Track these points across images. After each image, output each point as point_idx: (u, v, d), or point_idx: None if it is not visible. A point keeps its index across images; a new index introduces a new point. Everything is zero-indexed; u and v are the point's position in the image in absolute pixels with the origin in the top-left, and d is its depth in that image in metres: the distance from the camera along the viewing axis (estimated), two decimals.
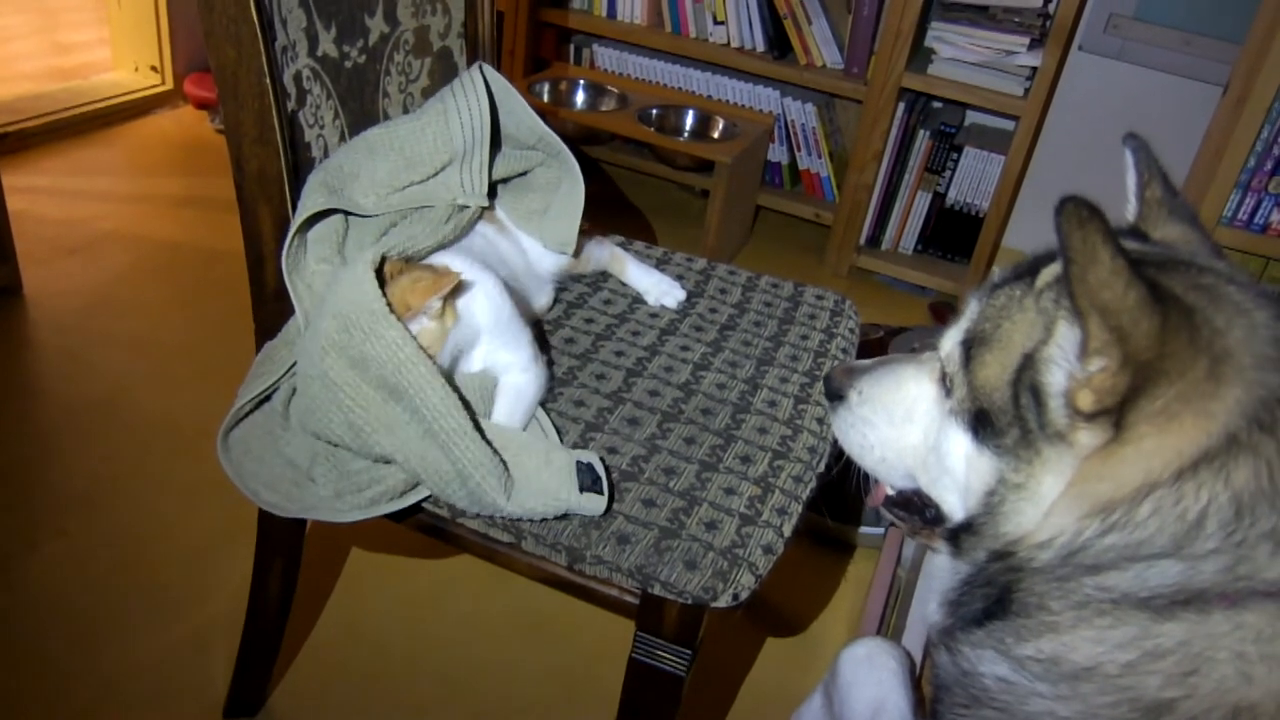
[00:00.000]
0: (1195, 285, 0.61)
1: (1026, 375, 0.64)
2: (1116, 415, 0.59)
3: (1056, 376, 0.62)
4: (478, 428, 0.87)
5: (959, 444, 0.69)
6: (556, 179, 1.14)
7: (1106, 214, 0.54)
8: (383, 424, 0.86)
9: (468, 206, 1.05)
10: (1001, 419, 0.65)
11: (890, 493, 0.82)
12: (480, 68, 1.06)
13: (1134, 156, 0.75)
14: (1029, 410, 0.63)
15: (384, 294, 0.86)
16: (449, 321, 0.91)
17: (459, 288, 0.92)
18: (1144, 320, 0.56)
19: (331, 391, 0.87)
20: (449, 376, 0.89)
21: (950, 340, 0.71)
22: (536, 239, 1.14)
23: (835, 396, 0.83)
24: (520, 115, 1.10)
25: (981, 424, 0.67)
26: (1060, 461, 0.62)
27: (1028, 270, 0.67)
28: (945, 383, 0.71)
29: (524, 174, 1.15)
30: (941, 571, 0.73)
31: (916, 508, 0.79)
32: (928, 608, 0.74)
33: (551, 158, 1.13)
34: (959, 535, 0.70)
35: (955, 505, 0.72)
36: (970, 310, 0.71)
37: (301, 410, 0.91)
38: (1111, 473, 0.60)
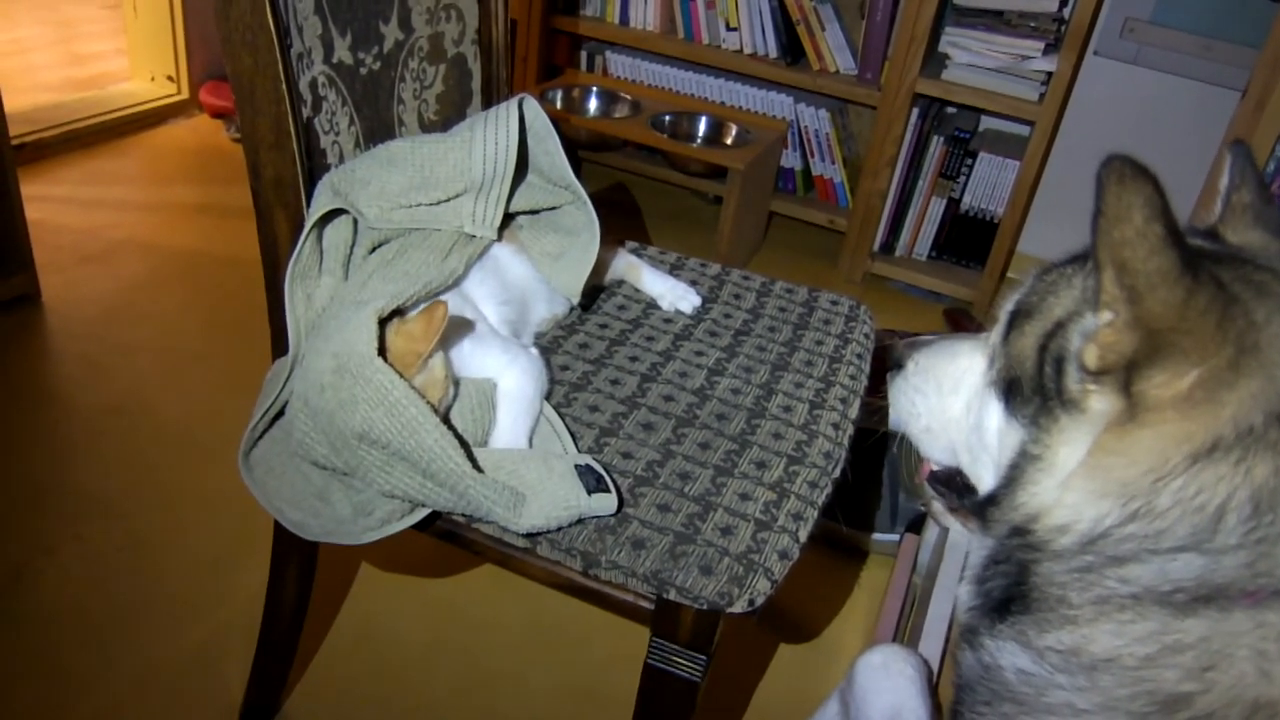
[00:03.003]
0: (1247, 280, 0.60)
1: (1054, 343, 0.65)
2: (1123, 378, 0.59)
3: (1078, 342, 0.62)
4: (474, 463, 0.87)
5: (994, 416, 0.70)
6: (580, 226, 1.13)
7: (1161, 182, 0.54)
8: (373, 464, 0.87)
9: (474, 236, 1.05)
10: (1028, 387, 0.67)
11: (934, 468, 0.84)
12: (521, 101, 1.05)
13: (1231, 161, 0.75)
14: (1050, 379, 0.64)
15: (386, 340, 0.86)
16: (443, 369, 0.91)
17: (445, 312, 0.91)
18: (1162, 288, 0.55)
19: (324, 428, 0.87)
20: (444, 415, 0.89)
21: (1001, 311, 0.73)
22: (546, 279, 1.13)
23: (895, 365, 0.86)
24: (554, 156, 1.09)
25: (1012, 394, 0.68)
26: (1076, 431, 0.63)
27: (1085, 254, 0.68)
28: (991, 353, 0.72)
29: (554, 209, 1.15)
30: (972, 550, 0.74)
31: (956, 486, 0.80)
32: (959, 588, 0.75)
33: (579, 203, 1.12)
34: (985, 508, 0.71)
35: (990, 484, 0.73)
36: (1024, 284, 0.72)
37: (299, 441, 0.91)
38: (1125, 449, 0.60)
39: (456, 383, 0.94)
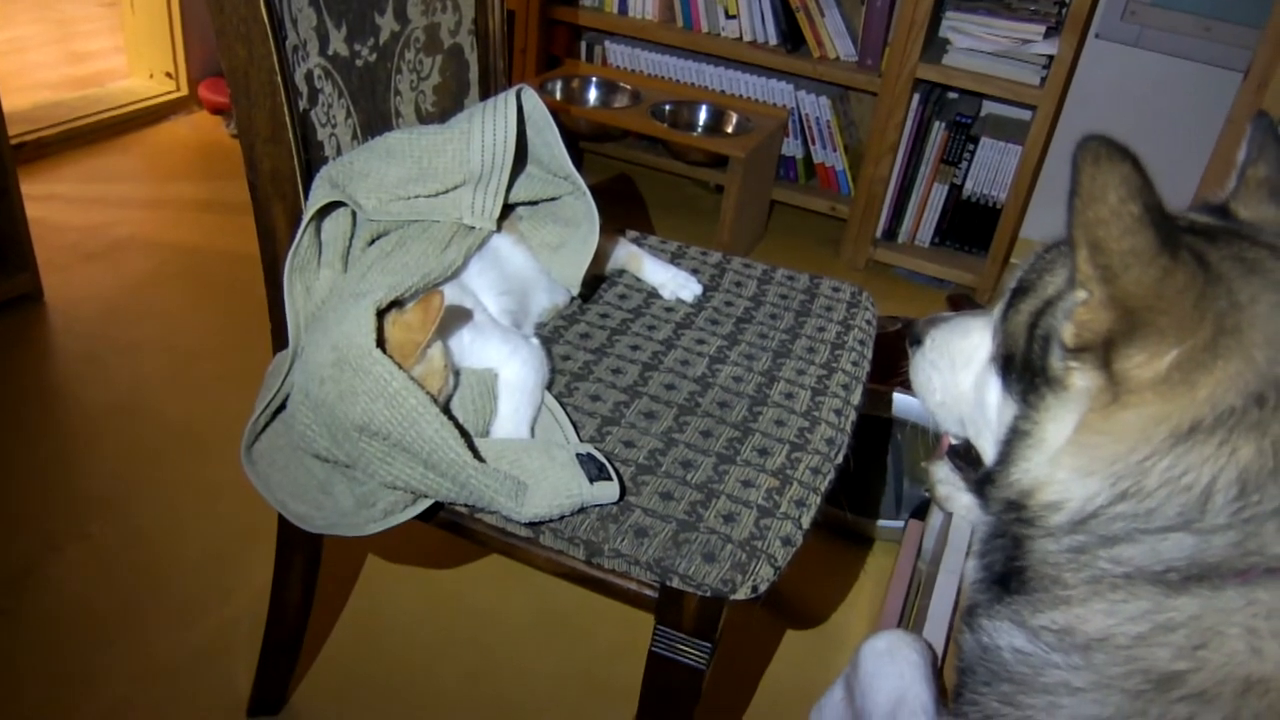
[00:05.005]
0: (1238, 258, 0.60)
1: (1043, 321, 0.65)
2: (1102, 356, 0.59)
3: (1061, 321, 0.63)
4: (475, 453, 0.87)
5: (993, 392, 0.71)
6: (579, 216, 1.13)
7: (1140, 162, 0.54)
8: (375, 456, 0.87)
9: (473, 227, 1.04)
10: (1019, 364, 0.67)
11: (954, 442, 0.85)
12: (520, 92, 1.05)
13: (1251, 134, 0.75)
14: (1037, 356, 0.65)
15: (385, 331, 0.86)
16: (442, 359, 0.91)
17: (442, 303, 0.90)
18: (1136, 267, 0.55)
19: (325, 420, 0.87)
20: (444, 405, 0.89)
21: (1006, 289, 0.73)
22: (546, 270, 1.13)
23: (915, 341, 0.87)
24: (554, 147, 1.09)
25: (1007, 370, 0.69)
26: (1061, 408, 0.63)
27: None
28: (994, 331, 0.73)
29: (553, 199, 1.15)
30: (977, 527, 0.75)
31: (973, 459, 0.81)
32: (966, 564, 0.75)
33: (579, 193, 1.12)
34: (982, 486, 0.71)
35: (992, 458, 0.73)
36: (1026, 262, 0.72)
37: (301, 433, 0.91)
38: (1110, 429, 0.60)
39: (457, 373, 0.93)
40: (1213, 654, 0.57)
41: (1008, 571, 0.67)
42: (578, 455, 0.89)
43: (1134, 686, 0.59)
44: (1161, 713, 0.58)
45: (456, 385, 0.93)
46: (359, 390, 0.83)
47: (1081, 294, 0.59)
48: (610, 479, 0.88)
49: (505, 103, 1.03)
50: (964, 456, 0.83)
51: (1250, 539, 0.57)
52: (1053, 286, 0.66)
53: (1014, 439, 0.67)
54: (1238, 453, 0.57)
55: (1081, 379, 0.61)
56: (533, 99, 1.06)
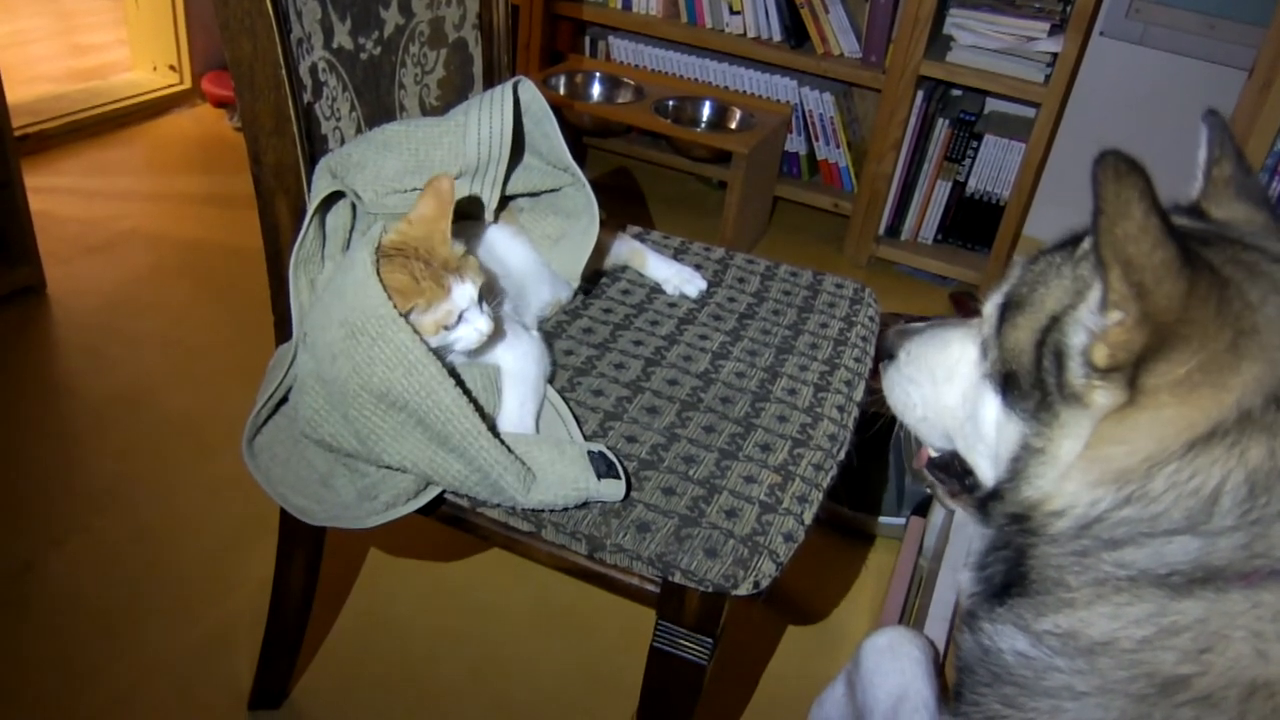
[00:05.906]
0: (1237, 260, 0.60)
1: (1051, 337, 0.63)
2: (1131, 373, 0.58)
3: (1078, 337, 0.61)
4: (490, 427, 0.87)
5: (991, 408, 0.69)
6: (580, 209, 1.13)
7: (1150, 173, 0.54)
8: (387, 432, 0.86)
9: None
10: (1026, 382, 0.65)
11: (933, 454, 0.83)
12: (517, 84, 1.05)
13: (1208, 133, 0.74)
14: (1049, 373, 0.63)
15: (386, 288, 0.86)
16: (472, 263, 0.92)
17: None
18: (1167, 281, 0.55)
19: (337, 399, 0.87)
20: (457, 379, 0.89)
21: (990, 303, 0.72)
22: (547, 262, 1.13)
23: (887, 355, 0.85)
24: (552, 139, 1.08)
25: (1010, 387, 0.67)
26: (1077, 424, 0.62)
27: (1071, 240, 0.67)
28: (983, 346, 0.71)
29: (554, 191, 1.14)
30: (974, 537, 0.74)
31: (956, 472, 0.79)
32: (960, 575, 0.74)
33: (579, 185, 1.12)
34: (986, 503, 0.70)
35: (988, 472, 0.72)
36: (1011, 275, 0.71)
37: (307, 419, 0.91)
38: (1125, 436, 0.59)
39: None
40: (1218, 657, 0.57)
41: (1009, 581, 0.66)
42: (590, 453, 0.89)
43: (1138, 690, 0.59)
44: (1166, 717, 0.58)
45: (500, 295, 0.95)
46: (376, 359, 0.84)
47: (1116, 315, 0.58)
48: (619, 478, 0.88)
49: (502, 95, 1.03)
50: (946, 469, 0.81)
51: (1257, 541, 0.57)
52: (1052, 299, 0.65)
53: (1025, 456, 0.65)
54: (1247, 454, 0.56)
55: (1104, 396, 0.60)
56: (530, 90, 1.06)
